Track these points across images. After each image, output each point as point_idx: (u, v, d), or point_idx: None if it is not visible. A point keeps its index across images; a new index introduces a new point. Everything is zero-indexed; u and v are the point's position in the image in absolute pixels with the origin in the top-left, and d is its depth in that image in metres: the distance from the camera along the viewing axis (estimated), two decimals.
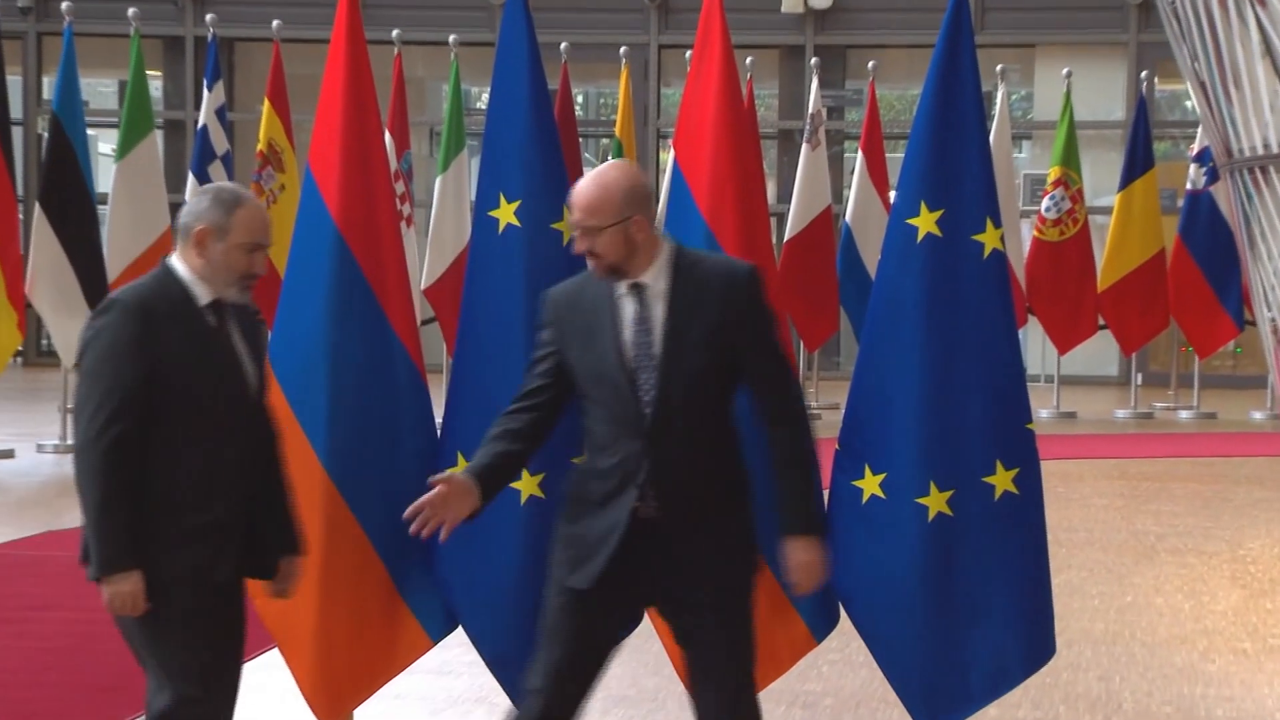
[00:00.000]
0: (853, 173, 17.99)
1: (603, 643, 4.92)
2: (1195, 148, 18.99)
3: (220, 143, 15.49)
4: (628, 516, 4.77)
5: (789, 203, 17.46)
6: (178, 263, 4.80)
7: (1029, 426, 5.48)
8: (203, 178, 15.25)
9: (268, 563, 4.94)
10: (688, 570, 4.80)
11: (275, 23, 16.21)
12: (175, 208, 15.21)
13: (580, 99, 27.23)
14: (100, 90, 27.91)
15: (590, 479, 4.86)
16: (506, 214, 5.58)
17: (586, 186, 4.81)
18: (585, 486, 4.87)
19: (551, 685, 4.86)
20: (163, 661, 4.79)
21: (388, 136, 15.63)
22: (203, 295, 4.78)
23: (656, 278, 4.81)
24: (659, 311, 4.78)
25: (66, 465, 14.52)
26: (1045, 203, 18.82)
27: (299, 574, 5.04)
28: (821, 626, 5.63)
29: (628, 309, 4.81)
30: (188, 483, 4.71)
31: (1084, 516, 12.30)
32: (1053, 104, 22.59)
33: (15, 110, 25.43)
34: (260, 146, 15.68)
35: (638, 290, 4.81)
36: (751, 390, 4.82)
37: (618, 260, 4.78)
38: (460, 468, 5.49)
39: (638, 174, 4.87)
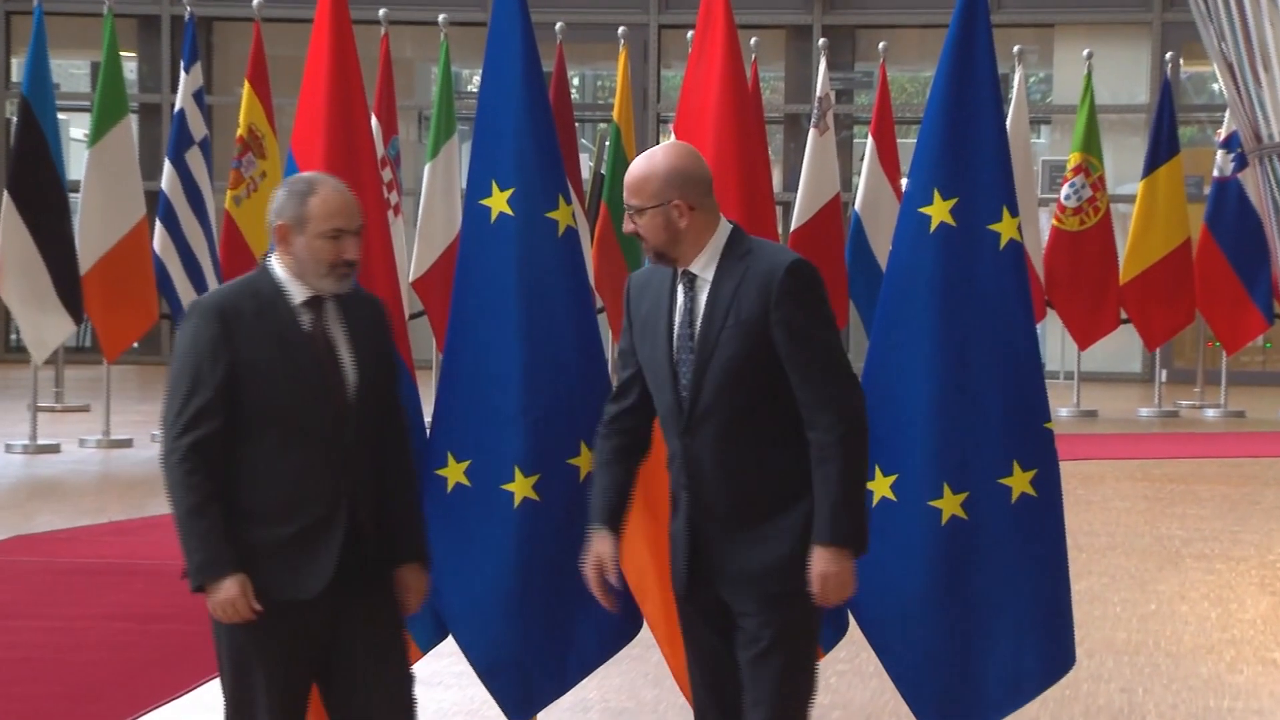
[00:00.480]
0: (862, 159, 18.00)
1: (719, 651, 4.89)
2: (1222, 133, 18.99)
3: (198, 127, 15.48)
4: (686, 517, 4.80)
5: (795, 191, 17.45)
6: (275, 261, 4.82)
7: (1047, 426, 5.48)
8: (179, 164, 15.25)
9: (374, 570, 4.86)
10: (735, 579, 4.78)
11: (256, 1, 16.22)
12: (151, 195, 15.37)
13: (576, 82, 27.22)
14: (72, 72, 27.90)
15: (670, 476, 4.90)
16: (499, 202, 5.58)
17: (635, 165, 4.85)
18: (671, 483, 4.92)
19: (700, 696, 4.94)
20: (228, 692, 4.83)
21: (374, 121, 15.62)
22: (297, 293, 4.79)
23: (706, 266, 4.81)
24: (702, 302, 4.80)
25: (36, 466, 14.54)
26: (1065, 190, 18.82)
27: (416, 585, 4.96)
28: (829, 636, 5.63)
29: (679, 299, 4.84)
30: (273, 490, 4.73)
31: (1105, 520, 12.30)
32: (1073, 87, 22.58)
33: None
34: (240, 131, 15.66)
35: (689, 279, 4.83)
36: (794, 388, 4.75)
37: (659, 245, 4.80)
38: (450, 468, 5.51)
39: (687, 157, 4.85)
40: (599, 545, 4.92)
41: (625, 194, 4.83)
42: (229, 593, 4.68)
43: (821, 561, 4.72)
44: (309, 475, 4.73)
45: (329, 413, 4.74)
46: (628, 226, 4.84)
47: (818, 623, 4.88)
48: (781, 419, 4.75)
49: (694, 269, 4.81)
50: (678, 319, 4.82)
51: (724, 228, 4.84)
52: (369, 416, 4.81)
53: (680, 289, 4.83)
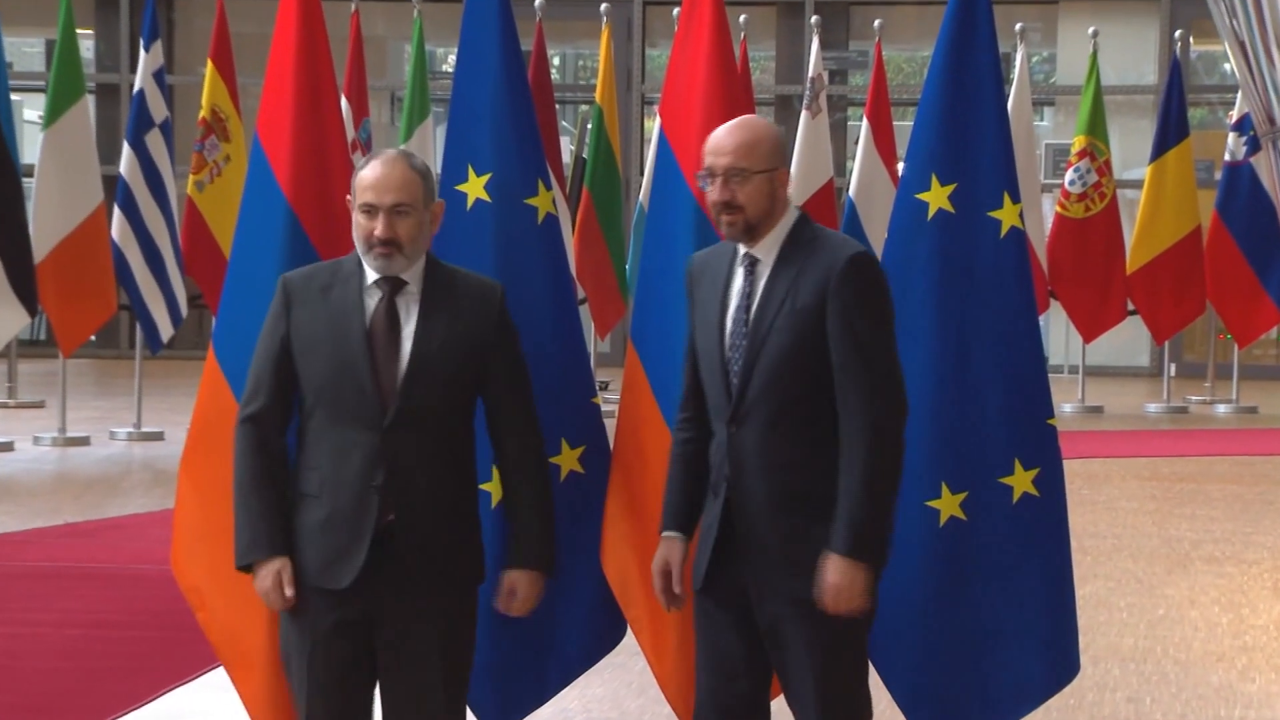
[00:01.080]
0: (857, 143, 18.00)
1: (734, 648, 4.93)
2: (1234, 115, 19.02)
3: (159, 109, 15.45)
4: (721, 510, 4.87)
5: None
6: None
7: (1050, 422, 5.49)
8: (139, 148, 15.21)
9: (436, 575, 4.89)
10: (768, 577, 4.83)
11: None
12: (109, 180, 15.32)
13: (557, 61, 27.21)
14: (25, 50, 27.84)
15: (711, 468, 4.96)
16: (475, 188, 5.58)
17: (734, 129, 4.90)
18: (712, 476, 4.96)
19: (705, 697, 4.97)
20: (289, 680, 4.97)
21: (344, 103, 15.60)
22: (373, 272, 4.91)
23: (770, 250, 4.90)
24: (760, 287, 4.87)
25: None
26: (1069, 175, 18.85)
27: (523, 592, 5.01)
28: None
29: (737, 283, 4.91)
30: (314, 471, 4.85)
31: (1111, 521, 12.32)
32: (1077, 67, 22.62)
33: None
34: (203, 113, 15.65)
35: (750, 263, 4.90)
36: (835, 382, 4.80)
37: (758, 215, 4.87)
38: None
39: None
40: (668, 550, 5.01)
41: (726, 158, 4.84)
42: (263, 581, 4.85)
43: (833, 572, 4.78)
44: (343, 459, 4.82)
45: (367, 397, 4.81)
46: (719, 195, 4.85)
47: (861, 623, 4.90)
48: (832, 415, 4.81)
49: (757, 252, 4.89)
50: (734, 303, 4.89)
51: (792, 212, 4.95)
52: (425, 407, 4.84)
53: (740, 273, 4.90)
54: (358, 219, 4.88)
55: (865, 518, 4.76)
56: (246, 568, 4.91)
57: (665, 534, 5.05)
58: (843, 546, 4.76)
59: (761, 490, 4.82)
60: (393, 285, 4.89)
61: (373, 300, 4.89)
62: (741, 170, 4.85)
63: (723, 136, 4.90)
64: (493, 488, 5.45)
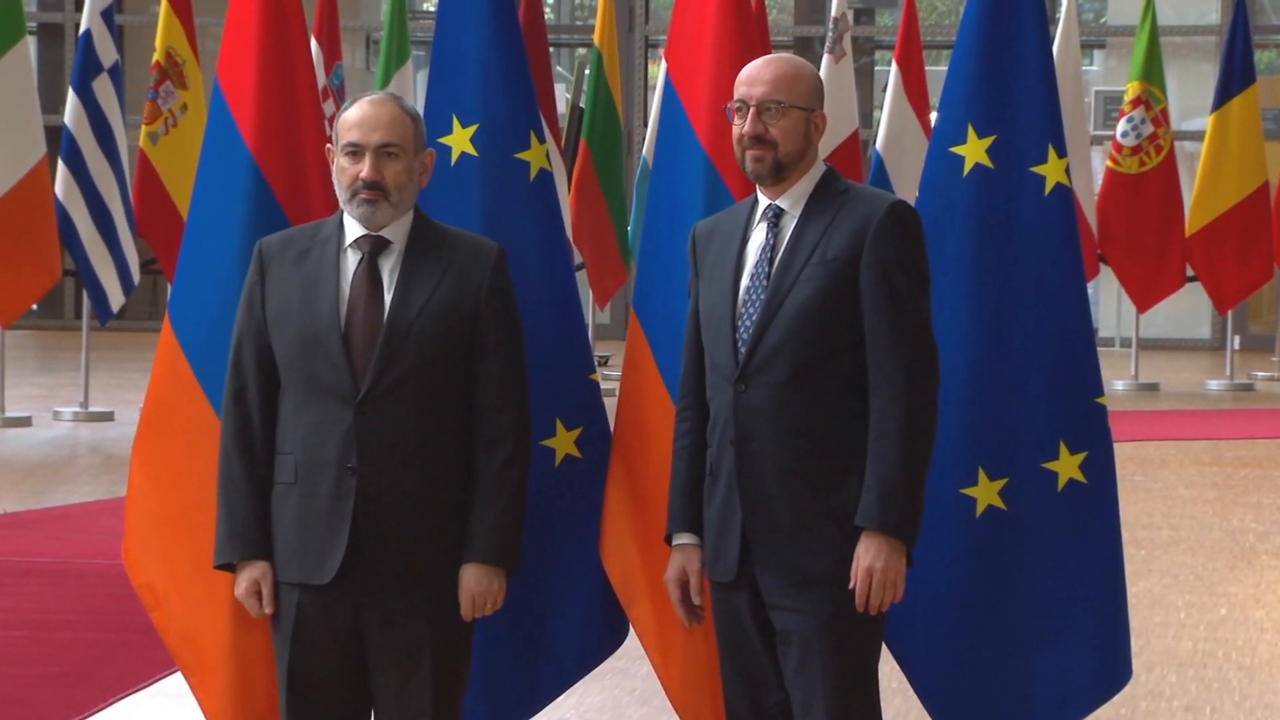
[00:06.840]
0: (885, 90, 17.99)
1: (767, 661, 4.97)
2: None
3: (107, 52, 15.43)
4: (736, 481, 4.89)
5: None
6: None
7: (1100, 401, 5.50)
8: (85, 95, 15.19)
9: (416, 568, 4.92)
10: (770, 556, 4.87)
11: None
12: (52, 131, 15.31)
13: (551, 0, 27.18)
14: None
15: (709, 447, 4.99)
16: (461, 141, 5.59)
17: (772, 60, 5.00)
18: (709, 458, 4.99)
19: (733, 699, 5.02)
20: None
21: (314, 45, 15.59)
22: (353, 230, 4.93)
23: (796, 202, 4.96)
24: (786, 239, 4.93)
25: None
26: (1121, 126, 18.83)
27: (482, 588, 4.95)
28: None
29: (758, 237, 4.96)
30: (290, 454, 4.89)
31: (1168, 511, 12.33)
32: (1131, 4, 22.58)
33: None
34: (157, 57, 15.63)
35: (774, 214, 4.95)
36: (867, 343, 4.87)
37: (790, 154, 4.93)
38: None
39: None
40: (684, 557, 5.06)
41: (764, 88, 4.93)
42: (238, 587, 4.92)
43: (869, 553, 4.82)
44: (317, 441, 4.86)
45: (338, 369, 4.84)
46: (753, 127, 4.91)
47: (874, 622, 4.92)
48: (851, 378, 4.87)
49: (782, 203, 4.95)
50: (753, 257, 4.95)
51: (819, 165, 5.01)
52: (404, 379, 4.86)
53: (762, 226, 4.96)
54: (341, 163, 4.90)
55: (902, 492, 4.81)
56: (224, 566, 4.95)
57: (677, 539, 5.08)
58: (878, 523, 4.80)
59: (772, 454, 4.85)
60: (374, 245, 4.91)
61: (351, 262, 4.91)
62: (778, 103, 4.92)
63: (759, 66, 4.98)
64: None
